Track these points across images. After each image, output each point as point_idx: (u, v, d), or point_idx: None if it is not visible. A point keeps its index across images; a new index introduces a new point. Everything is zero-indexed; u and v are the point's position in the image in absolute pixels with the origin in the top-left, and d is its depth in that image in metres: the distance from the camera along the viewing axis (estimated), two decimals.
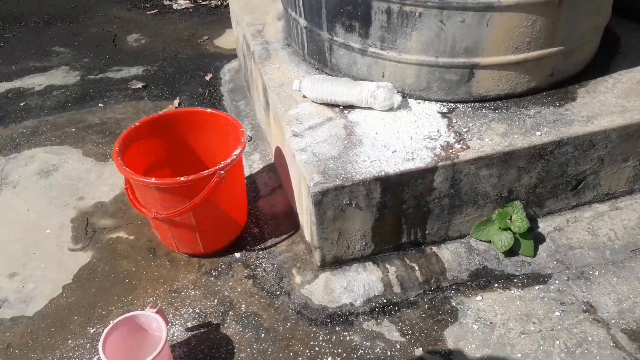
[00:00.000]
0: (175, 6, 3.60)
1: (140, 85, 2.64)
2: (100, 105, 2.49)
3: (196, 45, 3.05)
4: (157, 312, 1.35)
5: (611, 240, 1.68)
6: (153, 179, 1.45)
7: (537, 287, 1.56)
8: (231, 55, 2.87)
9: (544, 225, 1.70)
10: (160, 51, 3.00)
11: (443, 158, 1.47)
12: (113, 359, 1.24)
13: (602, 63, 1.85)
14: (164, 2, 3.64)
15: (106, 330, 1.30)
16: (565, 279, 1.58)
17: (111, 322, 1.33)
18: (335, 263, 1.57)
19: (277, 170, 1.94)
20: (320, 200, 1.41)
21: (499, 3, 1.46)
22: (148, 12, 3.50)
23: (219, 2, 3.56)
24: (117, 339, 1.32)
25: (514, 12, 1.49)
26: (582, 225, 1.71)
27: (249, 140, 2.17)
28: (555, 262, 1.62)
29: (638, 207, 1.76)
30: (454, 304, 1.52)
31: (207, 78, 2.70)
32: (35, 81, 2.70)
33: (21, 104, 2.52)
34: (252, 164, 2.06)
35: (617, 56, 1.89)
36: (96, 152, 2.19)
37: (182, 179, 1.45)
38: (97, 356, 1.42)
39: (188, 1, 3.64)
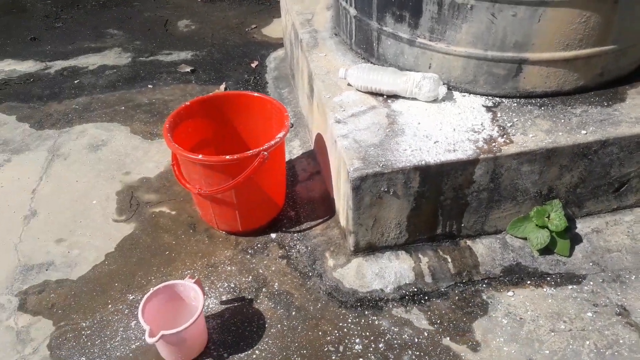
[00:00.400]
0: None
1: (188, 69, 2.72)
2: (149, 86, 2.58)
3: (244, 33, 3.11)
4: (195, 283, 1.40)
5: None
6: (200, 156, 1.50)
7: (570, 287, 1.54)
8: (277, 44, 2.92)
9: (582, 226, 1.67)
10: (209, 37, 3.07)
11: (485, 151, 1.46)
12: (151, 323, 1.29)
13: None
14: None
15: (146, 296, 1.36)
16: (600, 280, 1.56)
17: (151, 289, 1.39)
18: (369, 249, 1.59)
19: (316, 156, 1.97)
20: (359, 185, 1.44)
21: None
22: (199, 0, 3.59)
23: None
24: (156, 306, 1.38)
25: (567, 7, 1.47)
26: (622, 229, 1.67)
27: (291, 127, 2.21)
28: (590, 264, 1.60)
29: None
30: (484, 297, 1.52)
31: (253, 65, 2.75)
32: (90, 61, 2.82)
33: (75, 82, 2.63)
34: (292, 149, 2.10)
35: None
36: (144, 130, 2.27)
37: (227, 157, 1.49)
38: (134, 321, 1.49)
39: None
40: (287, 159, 2.04)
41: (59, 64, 2.78)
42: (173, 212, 1.85)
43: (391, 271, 1.57)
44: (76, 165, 2.09)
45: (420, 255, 1.60)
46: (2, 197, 1.94)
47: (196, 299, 1.39)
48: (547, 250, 1.61)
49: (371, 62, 1.84)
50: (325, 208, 1.79)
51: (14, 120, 2.36)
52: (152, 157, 2.11)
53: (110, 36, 3.07)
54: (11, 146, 2.20)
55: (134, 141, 2.21)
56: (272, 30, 3.10)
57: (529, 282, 1.56)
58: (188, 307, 1.43)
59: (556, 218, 1.57)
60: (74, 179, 2.02)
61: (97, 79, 2.64)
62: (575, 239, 1.65)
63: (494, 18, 1.50)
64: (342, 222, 1.63)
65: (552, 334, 1.43)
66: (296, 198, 1.87)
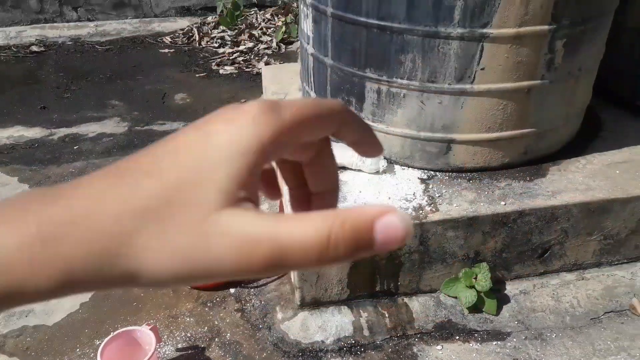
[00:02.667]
0: (221, 71, 4.03)
1: None
2: None
3: None
4: (151, 329, 1.58)
5: (573, 307, 1.80)
6: None
7: (494, 343, 1.69)
8: None
9: (511, 288, 1.84)
10: (201, 110, 3.38)
11: (413, 218, 1.67)
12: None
13: (580, 145, 2.02)
14: (212, 67, 4.08)
15: (106, 340, 1.53)
16: (523, 338, 1.70)
17: (111, 333, 1.57)
18: (314, 304, 1.77)
19: None
20: None
21: (472, 89, 1.70)
22: (197, 75, 3.94)
23: (260, 70, 3.97)
24: (115, 349, 1.55)
25: (485, 97, 1.72)
26: (547, 291, 1.84)
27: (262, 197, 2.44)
28: (516, 322, 1.75)
29: (604, 279, 1.88)
30: (415, 350, 1.67)
31: None
32: (90, 129, 3.12)
33: (74, 148, 2.91)
34: None
35: (596, 140, 2.06)
36: None
37: None
38: None
39: (233, 67, 4.07)
40: None
41: (62, 131, 3.08)
42: None
43: (333, 324, 1.74)
44: None
45: (360, 311, 1.77)
46: None
47: (150, 344, 1.56)
48: (476, 308, 1.77)
49: None
50: None
51: (16, 181, 2.61)
52: None
53: (112, 107, 3.39)
54: None
55: None
56: None
57: (457, 337, 1.71)
58: (144, 352, 1.59)
59: (482, 279, 1.75)
60: None
61: (94, 146, 2.92)
62: (504, 299, 1.81)
63: (423, 105, 1.75)
64: (292, 278, 1.82)
65: None
66: None
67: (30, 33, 4.53)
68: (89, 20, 4.74)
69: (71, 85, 3.72)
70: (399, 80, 1.73)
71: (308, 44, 2.01)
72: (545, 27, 1.60)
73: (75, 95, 3.56)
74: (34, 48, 4.31)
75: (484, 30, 1.57)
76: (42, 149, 2.91)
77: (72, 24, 4.69)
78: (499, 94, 1.71)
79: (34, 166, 2.74)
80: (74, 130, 3.10)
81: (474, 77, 1.66)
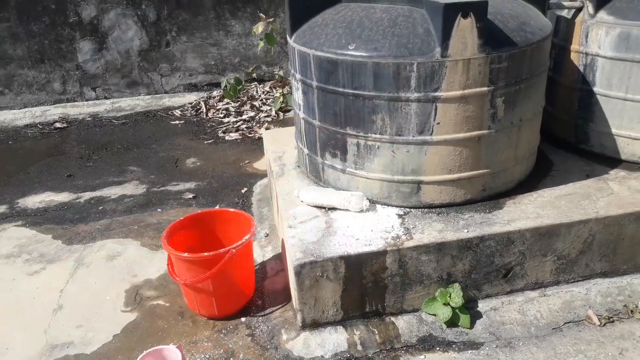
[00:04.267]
0: (227, 138, 4.48)
1: (191, 195, 3.38)
2: (159, 210, 3.22)
3: (238, 167, 3.83)
4: (177, 348, 1.88)
5: (537, 319, 2.10)
6: (185, 254, 2.07)
7: (469, 352, 1.98)
8: (263, 175, 3.61)
9: (482, 305, 2.15)
10: (210, 171, 3.79)
11: (391, 245, 2.01)
12: None
13: (533, 182, 2.39)
14: (219, 134, 4.54)
15: (139, 357, 1.85)
16: (494, 346, 2.00)
17: (144, 351, 1.87)
18: (313, 325, 2.07)
19: (282, 257, 2.52)
20: (300, 271, 1.97)
21: (432, 139, 2.09)
22: (205, 142, 4.39)
23: (261, 135, 4.42)
24: None
25: (443, 145, 2.11)
26: (515, 307, 2.15)
27: (265, 236, 2.79)
28: (488, 334, 2.05)
29: (563, 295, 2.19)
30: None
31: (243, 191, 3.41)
32: (112, 192, 3.51)
33: (100, 208, 3.29)
34: (265, 253, 2.65)
35: (547, 177, 2.43)
36: (150, 243, 2.86)
37: (205, 254, 2.06)
38: None
39: (237, 134, 4.53)
40: (260, 260, 2.59)
41: (87, 195, 3.47)
42: (167, 304, 2.37)
43: (330, 342, 2.04)
44: (96, 272, 2.65)
45: (354, 329, 2.08)
46: (37, 295, 2.48)
47: None
48: (453, 323, 2.08)
49: (320, 185, 2.47)
50: (285, 296, 2.30)
51: (50, 238, 2.98)
52: (155, 263, 2.68)
53: (130, 172, 3.80)
54: (47, 258, 2.79)
55: (142, 252, 2.79)
56: (261, 164, 3.82)
57: (438, 348, 2.01)
58: None
59: (455, 297, 2.06)
60: (93, 281, 2.57)
61: (117, 206, 3.30)
62: (477, 315, 2.12)
63: (394, 154, 2.14)
64: (293, 303, 2.14)
65: None
66: (264, 290, 2.39)
67: (53, 112, 5.05)
68: (105, 98, 5.27)
69: (93, 155, 4.15)
70: (373, 135, 2.13)
71: (299, 110, 2.44)
72: (485, 88, 2.02)
73: (96, 164, 3.98)
74: (58, 125, 4.80)
75: (436, 94, 1.99)
76: (70, 210, 3.29)
77: (90, 102, 5.22)
78: (455, 142, 2.10)
79: (64, 225, 3.11)
80: (98, 193, 3.49)
81: (432, 129, 2.06)
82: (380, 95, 2.03)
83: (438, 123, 2.05)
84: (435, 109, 2.03)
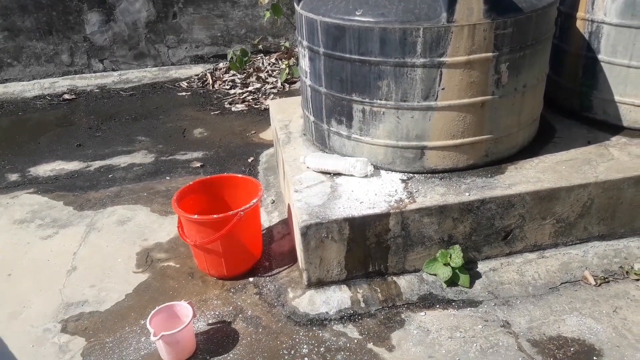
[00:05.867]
0: (233, 109, 4.52)
1: (199, 164, 3.44)
2: (167, 178, 3.29)
3: (245, 137, 3.88)
4: (188, 304, 1.97)
5: (535, 279, 2.17)
6: (195, 216, 2.14)
7: (468, 309, 2.05)
8: (270, 145, 3.66)
9: (482, 266, 2.22)
10: (217, 141, 3.84)
11: (394, 207, 2.07)
12: (155, 328, 1.85)
13: (535, 148, 2.43)
14: (225, 106, 4.58)
15: (152, 312, 1.93)
16: (493, 304, 2.07)
17: (156, 307, 1.96)
18: (318, 284, 2.15)
19: (288, 221, 2.59)
20: (306, 232, 2.04)
21: (436, 105, 2.13)
22: (212, 113, 4.43)
23: (267, 106, 4.45)
24: (159, 320, 1.94)
25: (448, 111, 2.15)
26: (513, 268, 2.21)
27: (272, 203, 2.85)
28: (486, 293, 2.12)
29: (561, 257, 2.25)
30: (402, 316, 2.04)
31: (249, 160, 3.47)
32: (121, 160, 3.58)
33: (109, 176, 3.36)
34: (272, 219, 2.72)
35: (550, 144, 2.47)
36: (160, 209, 2.94)
37: (214, 216, 2.13)
38: (144, 337, 2.03)
39: (243, 105, 4.56)
40: (266, 225, 2.66)
41: (97, 164, 3.54)
42: (177, 266, 2.45)
43: (335, 299, 2.11)
44: (107, 235, 2.73)
45: (357, 288, 2.15)
46: (52, 258, 2.57)
47: (188, 316, 1.94)
48: (453, 283, 2.15)
49: (325, 152, 2.52)
50: (292, 258, 2.37)
51: (62, 204, 3.05)
52: (165, 228, 2.75)
53: (139, 142, 3.86)
54: (59, 223, 2.87)
55: (152, 217, 2.87)
56: (267, 134, 3.87)
57: (438, 306, 2.08)
58: (182, 322, 1.97)
59: (456, 258, 2.13)
60: (105, 244, 2.65)
61: (126, 174, 3.37)
62: (476, 275, 2.19)
63: (399, 119, 2.19)
64: (299, 264, 2.21)
65: (450, 339, 1.93)
66: (271, 252, 2.46)
67: (62, 83, 5.09)
68: (113, 70, 5.30)
69: (101, 125, 4.21)
70: (378, 101, 2.17)
71: (306, 77, 2.47)
72: (490, 54, 2.04)
73: (105, 134, 4.04)
74: (66, 96, 4.85)
75: (441, 59, 2.02)
76: (81, 178, 3.36)
77: (98, 73, 5.25)
78: (459, 108, 2.14)
79: (75, 192, 3.18)
80: (107, 162, 3.56)
81: (437, 95, 2.10)
82: (386, 61, 2.07)
83: (443, 89, 2.09)
84: (441, 75, 2.06)
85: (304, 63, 2.46)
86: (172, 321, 1.96)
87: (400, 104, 2.15)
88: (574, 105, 2.69)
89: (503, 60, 2.09)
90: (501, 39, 2.04)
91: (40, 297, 2.31)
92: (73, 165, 3.55)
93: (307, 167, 2.41)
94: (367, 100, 2.20)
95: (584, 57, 2.55)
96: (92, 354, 1.98)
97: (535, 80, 2.28)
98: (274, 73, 5.01)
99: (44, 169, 3.52)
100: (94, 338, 2.05)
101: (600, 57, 2.48)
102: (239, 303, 2.18)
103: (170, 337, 1.84)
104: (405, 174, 2.29)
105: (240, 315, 2.11)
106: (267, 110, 4.26)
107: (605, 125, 2.57)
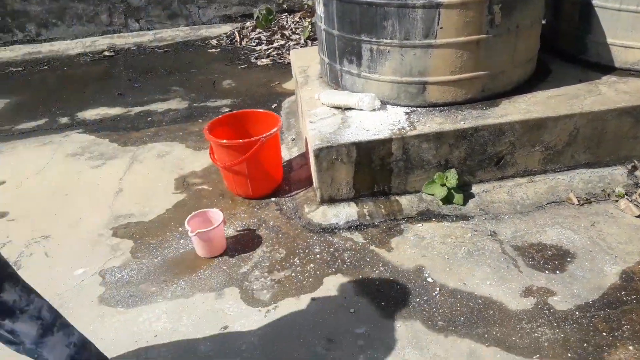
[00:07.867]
0: (259, 63, 4.83)
1: (227, 110, 3.78)
2: (200, 121, 3.65)
3: (269, 87, 4.20)
4: (219, 210, 2.33)
5: (523, 199, 2.45)
6: (224, 141, 2.48)
7: (461, 222, 2.36)
8: (292, 93, 3.97)
9: (476, 189, 2.50)
10: (244, 91, 4.17)
11: (397, 134, 2.37)
12: (192, 228, 2.22)
13: (530, 85, 2.67)
14: (251, 60, 4.89)
15: (189, 216, 2.30)
16: (483, 219, 2.37)
17: (192, 213, 2.33)
18: (330, 201, 2.48)
19: (305, 154, 2.91)
20: (318, 154, 2.36)
21: (436, 43, 2.39)
22: (239, 67, 4.75)
23: (290, 61, 4.74)
24: (195, 222, 2.31)
25: (446, 48, 2.40)
26: (504, 190, 2.49)
27: (292, 140, 3.18)
28: (478, 210, 2.42)
29: (549, 181, 2.52)
30: (402, 227, 2.36)
31: (273, 106, 3.79)
32: (158, 106, 3.95)
33: (148, 119, 3.74)
34: (292, 153, 3.05)
35: (544, 82, 2.70)
36: (194, 146, 3.30)
37: (240, 140, 2.47)
38: (182, 240, 2.41)
39: (268, 60, 4.86)
40: (287, 157, 2.99)
41: (137, 109, 3.92)
42: (210, 189, 2.81)
43: (344, 213, 2.44)
44: (148, 166, 3.11)
45: (363, 204, 2.47)
46: (102, 183, 2.97)
47: (218, 220, 2.30)
48: (448, 201, 2.44)
49: (338, 90, 2.81)
50: (308, 183, 2.70)
51: (107, 141, 3.45)
52: (199, 160, 3.12)
53: (174, 91, 4.22)
54: (106, 156, 3.27)
55: (187, 152, 3.23)
56: (289, 85, 4.17)
57: (433, 219, 2.39)
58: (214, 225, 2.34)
59: (452, 179, 2.42)
60: (147, 172, 3.04)
61: (163, 117, 3.74)
62: (470, 196, 2.48)
63: (402, 57, 2.46)
64: (314, 184, 2.54)
65: (442, 244, 2.24)
66: (290, 179, 2.80)
67: (102, 42, 5.47)
68: (148, 29, 5.65)
69: (139, 78, 4.58)
70: (384, 40, 2.44)
71: (321, 22, 2.75)
72: None
73: (143, 85, 4.41)
74: (106, 53, 5.24)
75: (439, 0, 2.28)
76: (123, 121, 3.75)
77: (135, 33, 5.61)
78: (456, 46, 2.40)
79: (119, 132, 3.58)
80: (146, 108, 3.93)
81: (436, 34, 2.36)
82: (390, 3, 2.33)
83: (441, 28, 2.34)
84: (439, 15, 2.31)
85: (319, 9, 2.74)
86: (206, 224, 2.33)
87: (403, 42, 2.42)
88: (570, 49, 2.90)
89: (496, 1, 2.32)
90: None
91: (93, 212, 2.71)
92: (115, 111, 3.94)
93: (322, 103, 2.71)
94: (374, 39, 2.47)
95: (579, 3, 2.75)
96: (139, 252, 2.37)
97: (529, 21, 2.51)
98: (298, 30, 5.27)
99: (90, 114, 3.92)
100: (140, 240, 2.45)
101: (594, 2, 2.68)
102: (263, 216, 2.53)
103: (204, 234, 2.20)
104: (409, 107, 2.58)
105: (263, 225, 2.47)
106: (290, 64, 4.55)
107: (598, 66, 2.77)
